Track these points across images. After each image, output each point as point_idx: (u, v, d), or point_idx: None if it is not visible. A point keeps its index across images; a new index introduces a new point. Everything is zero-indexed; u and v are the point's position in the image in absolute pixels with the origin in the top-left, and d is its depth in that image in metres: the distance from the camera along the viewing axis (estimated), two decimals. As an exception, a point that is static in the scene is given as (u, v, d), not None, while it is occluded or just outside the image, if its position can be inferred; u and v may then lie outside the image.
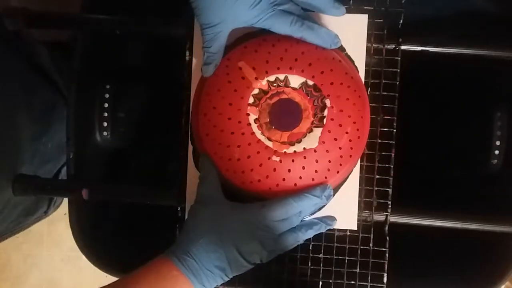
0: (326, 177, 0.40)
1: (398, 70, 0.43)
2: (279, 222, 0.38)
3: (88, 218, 0.52)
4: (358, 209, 0.43)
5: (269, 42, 0.41)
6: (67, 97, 0.51)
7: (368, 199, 0.43)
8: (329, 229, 0.43)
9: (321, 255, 0.43)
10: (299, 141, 0.40)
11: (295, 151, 0.39)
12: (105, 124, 0.56)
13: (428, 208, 0.45)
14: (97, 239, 0.52)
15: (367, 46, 0.43)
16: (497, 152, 0.52)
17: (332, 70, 0.40)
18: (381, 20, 0.43)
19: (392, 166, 0.43)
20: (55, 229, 0.97)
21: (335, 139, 0.39)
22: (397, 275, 0.43)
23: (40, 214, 0.64)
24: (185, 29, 0.44)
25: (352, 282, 0.43)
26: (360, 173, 0.43)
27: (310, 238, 0.43)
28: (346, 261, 0.43)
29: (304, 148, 0.39)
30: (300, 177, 0.39)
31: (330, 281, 0.43)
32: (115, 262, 0.51)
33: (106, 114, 0.56)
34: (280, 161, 0.39)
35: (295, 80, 0.40)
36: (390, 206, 0.43)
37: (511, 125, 0.52)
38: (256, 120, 0.40)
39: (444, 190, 0.55)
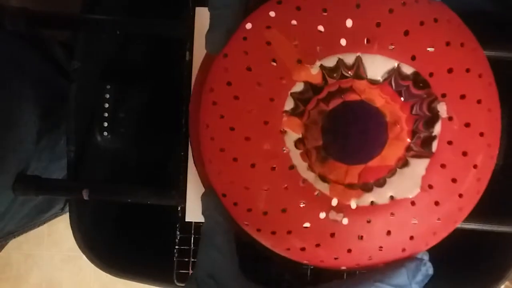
0: (427, 244, 0.24)
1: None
2: None
3: (88, 218, 0.52)
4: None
5: None
6: (72, 99, 0.51)
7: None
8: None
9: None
10: (381, 184, 0.22)
11: (373, 203, 0.22)
12: (105, 124, 0.56)
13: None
14: (97, 239, 0.52)
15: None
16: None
17: (450, 43, 0.21)
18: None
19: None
20: (55, 229, 0.97)
21: (454, 181, 0.22)
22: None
23: (57, 211, 0.64)
24: (185, 29, 0.44)
25: (352, 282, 0.43)
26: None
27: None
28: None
29: (391, 198, 0.22)
30: (381, 248, 0.22)
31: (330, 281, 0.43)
32: (115, 262, 0.51)
33: (106, 114, 0.56)
34: (345, 221, 0.22)
35: (378, 66, 0.21)
36: (390, 206, 0.43)
37: (511, 125, 0.52)
38: (298, 143, 0.22)
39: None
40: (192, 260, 0.43)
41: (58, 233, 0.97)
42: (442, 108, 0.21)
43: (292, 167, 0.22)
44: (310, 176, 0.22)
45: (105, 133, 0.57)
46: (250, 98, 0.22)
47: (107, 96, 0.56)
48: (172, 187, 0.45)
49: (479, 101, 0.22)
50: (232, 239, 0.25)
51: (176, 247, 0.42)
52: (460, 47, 0.22)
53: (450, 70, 0.21)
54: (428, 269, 0.24)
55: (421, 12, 0.21)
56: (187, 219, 0.42)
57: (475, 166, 0.22)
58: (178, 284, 0.43)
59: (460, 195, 0.22)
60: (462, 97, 0.21)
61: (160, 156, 0.59)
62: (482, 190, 0.23)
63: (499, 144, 0.24)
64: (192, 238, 0.42)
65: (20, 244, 0.97)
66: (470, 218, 0.46)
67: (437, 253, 0.54)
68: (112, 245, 0.54)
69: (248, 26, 0.23)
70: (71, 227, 0.51)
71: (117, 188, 0.47)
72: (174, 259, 0.42)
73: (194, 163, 0.30)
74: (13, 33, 0.48)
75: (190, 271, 0.43)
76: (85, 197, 0.45)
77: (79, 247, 0.51)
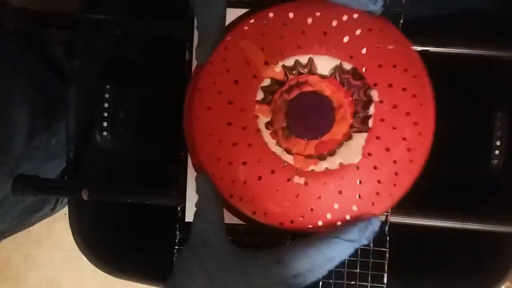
0: (373, 203, 0.29)
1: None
2: (299, 276, 0.29)
3: (88, 218, 0.52)
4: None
5: (284, 10, 0.29)
6: (72, 98, 0.51)
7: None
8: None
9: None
10: (332, 154, 0.28)
11: (327, 169, 0.28)
12: (105, 124, 0.56)
13: (429, 208, 0.45)
14: (97, 239, 0.52)
15: (367, 46, 0.43)
16: (497, 152, 0.52)
17: (380, 46, 0.28)
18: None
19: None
20: (55, 229, 0.97)
21: (387, 149, 0.28)
22: (397, 275, 0.43)
23: (47, 211, 0.63)
24: (185, 29, 0.44)
25: (352, 282, 0.43)
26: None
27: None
28: (346, 261, 0.43)
29: (340, 164, 0.28)
30: (336, 206, 0.28)
31: (330, 281, 0.43)
32: (115, 262, 0.51)
33: (106, 114, 0.56)
34: (306, 183, 0.28)
35: (325, 64, 0.28)
36: (390, 206, 0.43)
37: (511, 125, 0.52)
38: (268, 125, 0.29)
39: (445, 190, 0.55)
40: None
41: (57, 233, 0.97)
42: (374, 94, 0.28)
43: (264, 144, 0.28)
44: (278, 150, 0.28)
45: (105, 133, 0.57)
46: (230, 92, 0.29)
47: (107, 96, 0.56)
48: (172, 187, 0.45)
49: (404, 89, 0.28)
50: (222, 213, 0.30)
51: (176, 247, 0.42)
52: (389, 49, 0.29)
53: (380, 66, 0.28)
54: (374, 227, 0.29)
55: (359, 24, 0.28)
56: (187, 219, 0.42)
57: (404, 138, 0.28)
58: (178, 284, 0.43)
59: (394, 162, 0.28)
60: (390, 85, 0.28)
61: (160, 156, 0.59)
62: (416, 160, 0.29)
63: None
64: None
65: (20, 245, 0.97)
66: (471, 218, 0.46)
67: (437, 253, 0.54)
68: (112, 245, 0.53)
69: (228, 38, 0.30)
70: (71, 227, 0.51)
71: (116, 188, 0.47)
72: (174, 259, 0.42)
73: (189, 154, 0.35)
74: (9, 33, 0.48)
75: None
76: (85, 197, 0.45)
77: (79, 247, 0.51)
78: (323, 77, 0.28)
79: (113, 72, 0.58)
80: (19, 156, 0.49)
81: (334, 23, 0.28)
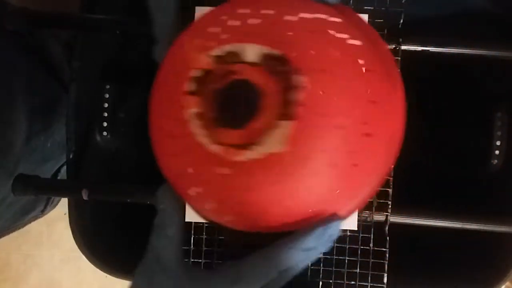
0: (313, 197, 0.27)
1: (399, 70, 0.43)
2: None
3: (88, 218, 0.52)
4: (358, 209, 0.43)
5: (225, 7, 0.29)
6: (71, 97, 0.51)
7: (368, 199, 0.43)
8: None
9: (321, 255, 0.43)
10: (260, 143, 0.26)
11: (253, 159, 0.26)
12: (105, 124, 0.56)
13: (429, 208, 0.45)
14: (97, 239, 0.52)
15: (367, 46, 0.43)
16: (497, 152, 0.52)
17: (313, 31, 0.27)
18: (381, 20, 0.43)
19: (392, 166, 0.43)
20: (55, 229, 0.97)
21: (317, 138, 0.26)
22: (398, 275, 0.43)
23: (37, 213, 0.63)
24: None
25: (352, 283, 0.43)
26: (360, 173, 0.43)
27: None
28: (346, 261, 0.43)
29: (268, 153, 0.26)
30: (267, 196, 0.27)
31: (330, 281, 0.43)
32: (115, 262, 0.51)
33: (106, 114, 0.56)
34: (231, 174, 0.27)
35: (254, 52, 0.27)
36: (390, 206, 0.43)
37: (511, 125, 0.52)
38: (199, 115, 0.28)
39: (445, 190, 0.55)
40: (192, 260, 0.43)
41: (57, 233, 0.97)
42: (301, 81, 0.26)
43: (190, 134, 0.27)
44: (208, 140, 0.27)
45: (105, 133, 0.57)
46: (166, 86, 0.29)
47: (107, 96, 0.56)
48: (171, 187, 0.45)
49: (341, 73, 0.27)
50: (180, 230, 0.30)
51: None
52: (317, 36, 0.27)
53: (312, 52, 0.27)
54: (333, 232, 0.28)
55: (288, 11, 0.28)
56: (186, 219, 0.42)
57: (340, 127, 0.26)
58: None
59: (326, 151, 0.26)
60: (322, 71, 0.26)
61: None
62: (360, 150, 0.27)
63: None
64: (192, 239, 0.42)
65: (20, 245, 0.97)
66: (471, 218, 0.46)
67: (437, 254, 0.54)
68: (112, 245, 0.53)
69: (181, 35, 0.30)
70: (71, 227, 0.51)
71: (116, 188, 0.47)
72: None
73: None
74: (9, 34, 0.48)
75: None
76: (85, 197, 0.45)
77: (79, 247, 0.51)
78: (252, 65, 0.27)
79: (113, 72, 0.58)
80: (18, 157, 0.49)
81: (263, 14, 0.27)
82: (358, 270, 0.43)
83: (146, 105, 0.58)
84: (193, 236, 0.42)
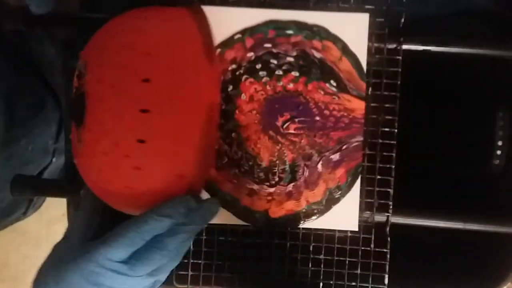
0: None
1: (400, 69, 0.43)
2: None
3: (87, 219, 0.51)
4: (359, 210, 0.43)
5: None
6: (66, 98, 0.51)
7: (369, 200, 0.43)
8: (330, 230, 0.42)
9: (321, 256, 0.43)
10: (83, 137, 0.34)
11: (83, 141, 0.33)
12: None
13: (430, 209, 0.45)
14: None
15: (368, 46, 0.43)
16: (499, 152, 0.52)
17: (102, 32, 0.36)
18: (382, 19, 0.43)
19: (393, 166, 0.43)
20: (54, 230, 0.96)
21: (97, 122, 0.32)
22: (398, 276, 0.43)
23: (18, 215, 0.63)
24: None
25: (353, 283, 0.43)
26: (361, 174, 0.43)
27: (310, 239, 0.42)
28: (347, 262, 0.43)
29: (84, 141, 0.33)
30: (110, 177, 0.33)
31: (331, 282, 0.43)
32: (114, 263, 0.50)
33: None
34: (81, 166, 0.35)
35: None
36: (391, 207, 0.43)
37: (511, 126, 0.52)
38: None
39: (446, 191, 0.55)
40: (192, 261, 0.42)
41: (56, 234, 0.96)
42: (84, 69, 0.33)
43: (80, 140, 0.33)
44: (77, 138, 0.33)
45: (104, 133, 0.56)
46: None
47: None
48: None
49: (108, 65, 0.32)
50: (89, 213, 0.36)
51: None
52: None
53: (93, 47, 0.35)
54: (188, 203, 0.32)
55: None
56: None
57: (106, 110, 0.31)
58: (177, 285, 0.43)
59: (107, 133, 0.31)
60: (99, 63, 0.32)
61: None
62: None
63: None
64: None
65: (18, 245, 0.97)
66: (473, 219, 0.46)
67: (439, 254, 0.54)
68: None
69: None
70: (70, 228, 0.51)
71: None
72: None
73: None
74: None
75: (189, 272, 0.42)
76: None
77: (78, 248, 0.51)
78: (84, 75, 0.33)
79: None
80: None
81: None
82: (359, 271, 0.43)
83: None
84: (192, 237, 0.42)
